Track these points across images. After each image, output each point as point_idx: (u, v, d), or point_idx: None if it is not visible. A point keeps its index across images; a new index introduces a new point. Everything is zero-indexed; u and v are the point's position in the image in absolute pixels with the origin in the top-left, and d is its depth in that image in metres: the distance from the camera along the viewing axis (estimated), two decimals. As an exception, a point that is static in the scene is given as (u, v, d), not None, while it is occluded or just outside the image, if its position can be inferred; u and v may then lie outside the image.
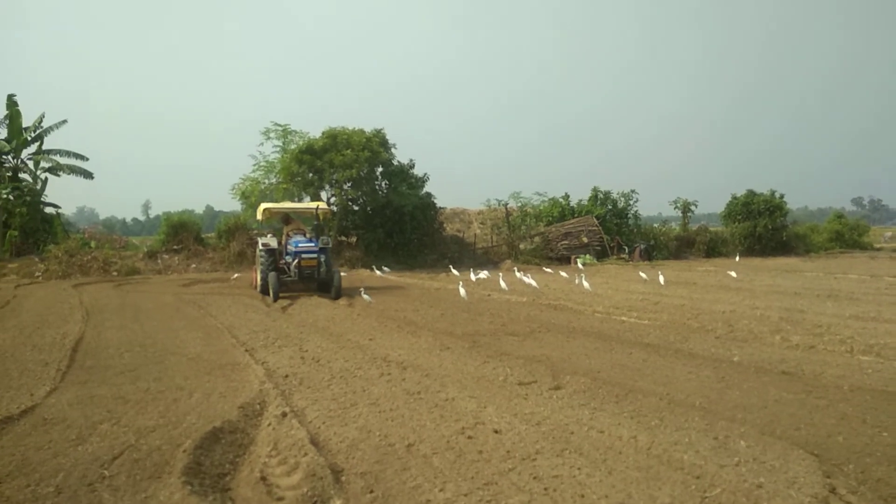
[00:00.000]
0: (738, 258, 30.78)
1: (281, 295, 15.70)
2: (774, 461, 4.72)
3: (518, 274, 18.55)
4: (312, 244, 16.41)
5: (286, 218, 18.71)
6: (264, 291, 16.35)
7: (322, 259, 16.39)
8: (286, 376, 7.57)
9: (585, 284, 16.67)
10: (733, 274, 20.43)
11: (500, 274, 19.42)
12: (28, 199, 28.43)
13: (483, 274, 19.90)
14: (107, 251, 26.49)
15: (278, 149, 29.72)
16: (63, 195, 50.23)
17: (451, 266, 24.58)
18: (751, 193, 36.56)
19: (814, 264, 28.01)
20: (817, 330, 10.37)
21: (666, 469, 4.61)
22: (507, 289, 16.52)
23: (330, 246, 17.70)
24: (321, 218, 18.52)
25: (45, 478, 4.52)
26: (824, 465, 4.68)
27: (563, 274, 20.86)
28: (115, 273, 24.26)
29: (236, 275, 22.90)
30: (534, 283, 16.65)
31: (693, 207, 37.12)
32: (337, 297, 15.71)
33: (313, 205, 19.49)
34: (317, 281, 16.85)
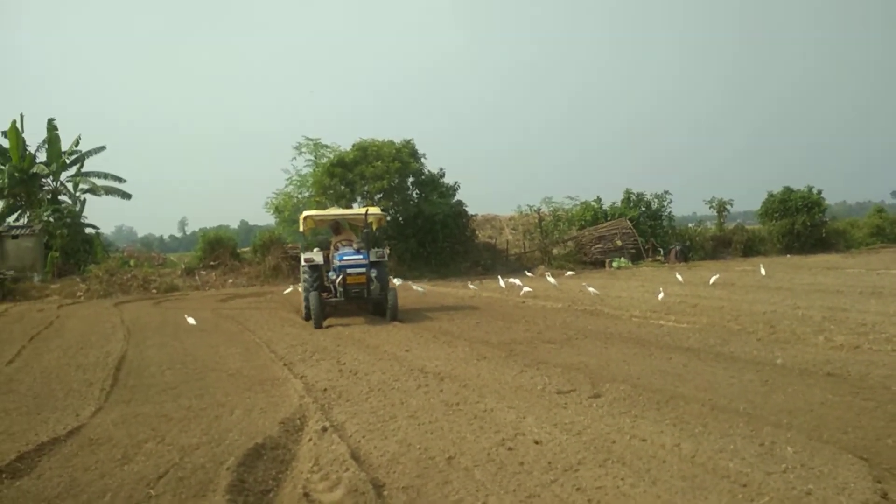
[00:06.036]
0: (788, 256, 30.53)
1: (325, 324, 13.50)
2: (823, 467, 4.61)
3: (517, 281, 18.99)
4: (361, 257, 13.77)
5: (336, 227, 16.10)
6: (309, 318, 13.96)
7: (373, 275, 13.92)
8: (325, 390, 7.62)
9: (551, 280, 18.55)
10: (763, 271, 20.48)
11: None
12: (68, 220, 29.07)
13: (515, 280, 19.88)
14: (146, 269, 27.09)
15: (310, 163, 30.08)
16: (102, 215, 51.43)
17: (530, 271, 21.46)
18: (788, 190, 35.82)
19: (855, 260, 27.45)
20: (862, 329, 10.13)
21: (711, 477, 4.53)
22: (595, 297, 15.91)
23: (385, 259, 15.00)
24: (374, 225, 16.09)
25: (93, 499, 4.60)
26: (874, 470, 4.56)
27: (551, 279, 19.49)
28: (154, 291, 24.71)
29: (290, 287, 21.43)
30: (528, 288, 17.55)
31: (728, 206, 36.55)
32: (392, 318, 13.64)
33: (362, 210, 16.56)
34: (368, 301, 14.52)
